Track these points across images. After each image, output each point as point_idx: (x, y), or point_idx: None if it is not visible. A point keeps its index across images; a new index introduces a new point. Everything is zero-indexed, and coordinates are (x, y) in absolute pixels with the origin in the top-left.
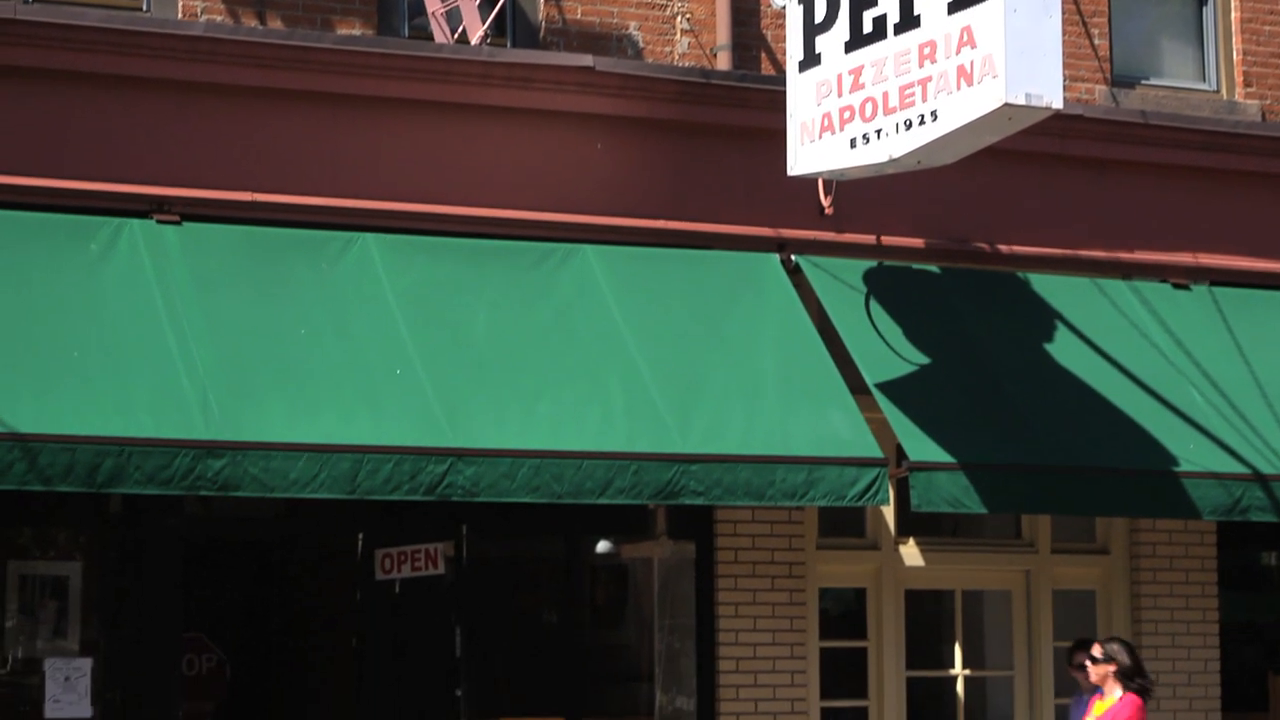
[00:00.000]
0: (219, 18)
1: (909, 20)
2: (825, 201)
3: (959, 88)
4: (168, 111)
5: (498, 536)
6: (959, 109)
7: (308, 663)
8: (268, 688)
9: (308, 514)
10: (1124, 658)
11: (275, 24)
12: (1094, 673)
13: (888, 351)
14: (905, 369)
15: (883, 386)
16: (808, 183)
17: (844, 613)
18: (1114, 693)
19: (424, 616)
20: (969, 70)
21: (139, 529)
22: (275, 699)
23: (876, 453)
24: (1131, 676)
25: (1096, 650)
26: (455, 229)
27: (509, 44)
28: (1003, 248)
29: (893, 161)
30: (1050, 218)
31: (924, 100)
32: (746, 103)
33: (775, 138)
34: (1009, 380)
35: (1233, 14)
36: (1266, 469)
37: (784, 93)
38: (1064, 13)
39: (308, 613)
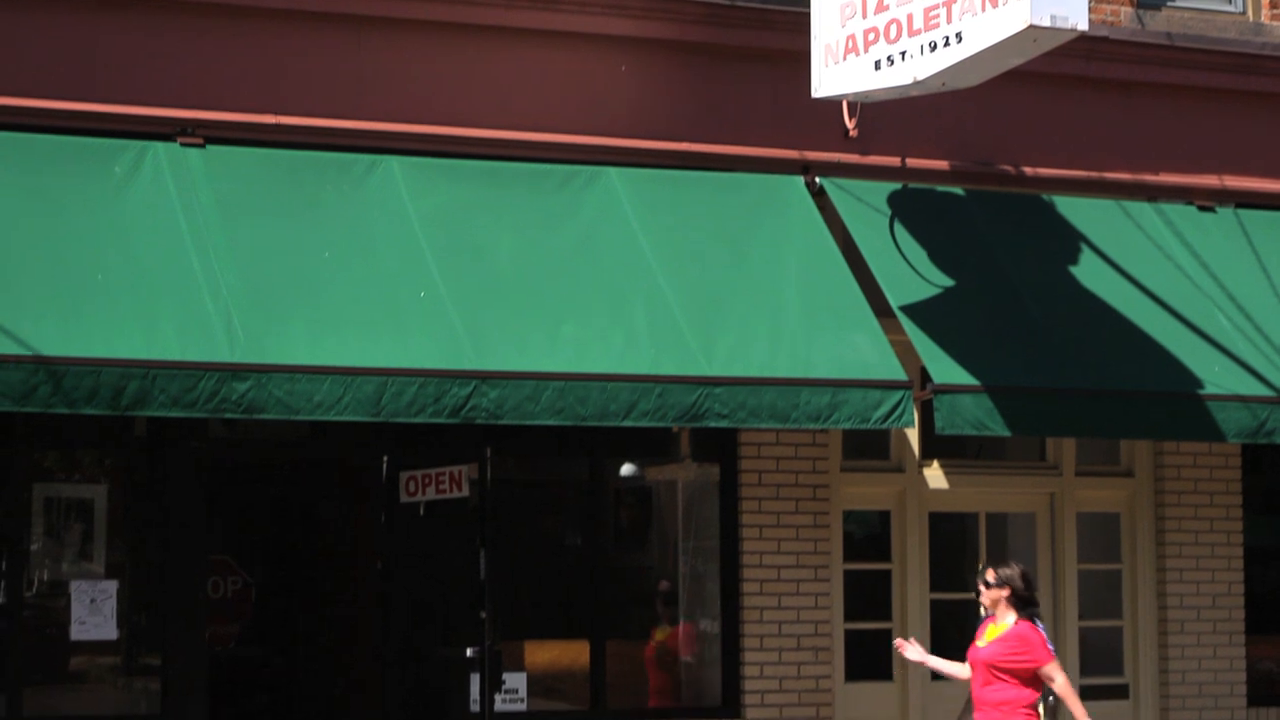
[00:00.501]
0: None
1: None
2: (850, 124)
3: (984, 9)
4: (192, 35)
5: (522, 459)
6: (984, 31)
7: (333, 586)
8: (293, 610)
9: (332, 436)
10: (1018, 583)
11: None
12: (986, 597)
13: (912, 274)
14: (930, 291)
15: (907, 309)
16: (832, 105)
17: (868, 535)
18: (1006, 618)
19: (448, 539)
20: None
21: (164, 452)
22: (300, 622)
23: (901, 375)
24: (1025, 603)
25: (990, 575)
26: (479, 151)
27: None
28: (1027, 170)
29: (917, 84)
30: (1075, 140)
31: (949, 22)
32: (771, 25)
33: (800, 60)
34: (1033, 303)
35: None
36: None
37: (808, 15)
38: None
39: (333, 536)
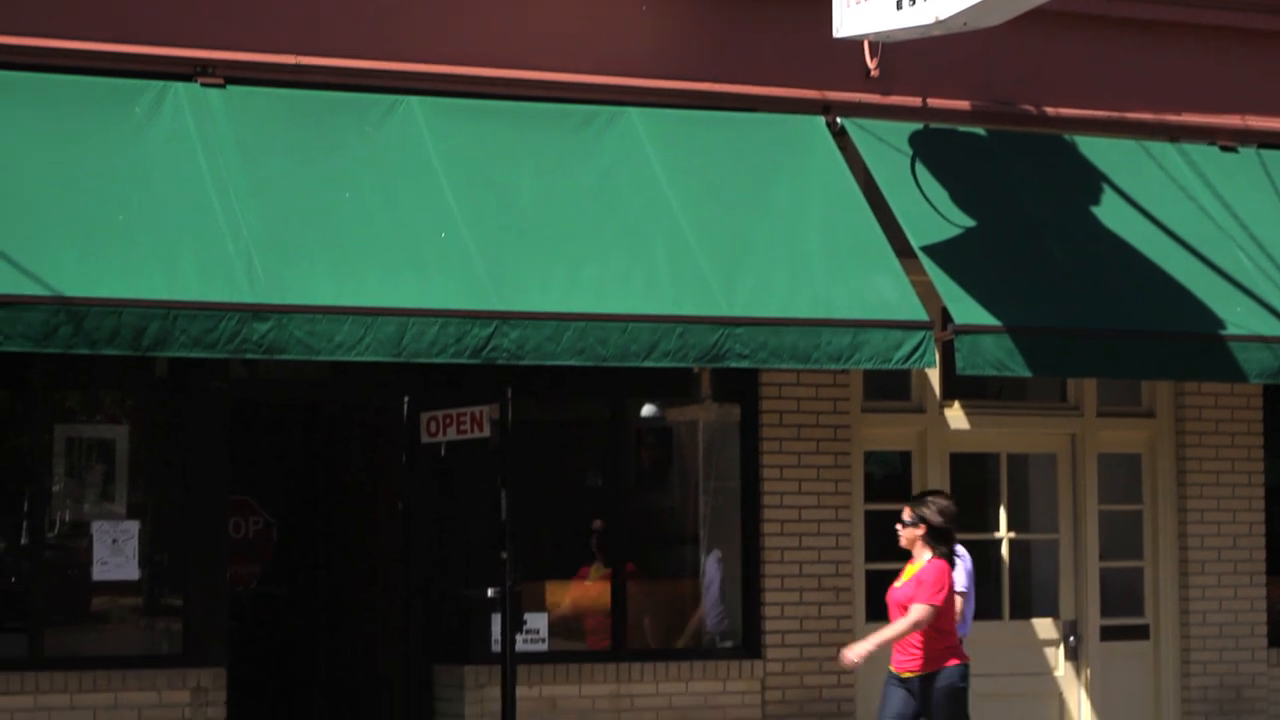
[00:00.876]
0: None
1: None
2: (871, 64)
3: None
4: None
5: (543, 400)
6: None
7: (354, 526)
8: (314, 551)
9: (353, 377)
10: (934, 520)
11: None
12: (903, 536)
13: (933, 214)
14: (951, 232)
15: (928, 249)
16: (853, 45)
17: (889, 476)
18: (923, 556)
19: (469, 479)
20: None
21: (185, 392)
22: (322, 562)
23: (922, 316)
24: (941, 541)
25: (906, 514)
26: (500, 92)
27: None
28: (1049, 110)
29: (939, 23)
30: (1097, 80)
31: None
32: None
33: (821, 0)
34: (1055, 243)
35: None
36: None
37: None
38: None
39: (354, 476)
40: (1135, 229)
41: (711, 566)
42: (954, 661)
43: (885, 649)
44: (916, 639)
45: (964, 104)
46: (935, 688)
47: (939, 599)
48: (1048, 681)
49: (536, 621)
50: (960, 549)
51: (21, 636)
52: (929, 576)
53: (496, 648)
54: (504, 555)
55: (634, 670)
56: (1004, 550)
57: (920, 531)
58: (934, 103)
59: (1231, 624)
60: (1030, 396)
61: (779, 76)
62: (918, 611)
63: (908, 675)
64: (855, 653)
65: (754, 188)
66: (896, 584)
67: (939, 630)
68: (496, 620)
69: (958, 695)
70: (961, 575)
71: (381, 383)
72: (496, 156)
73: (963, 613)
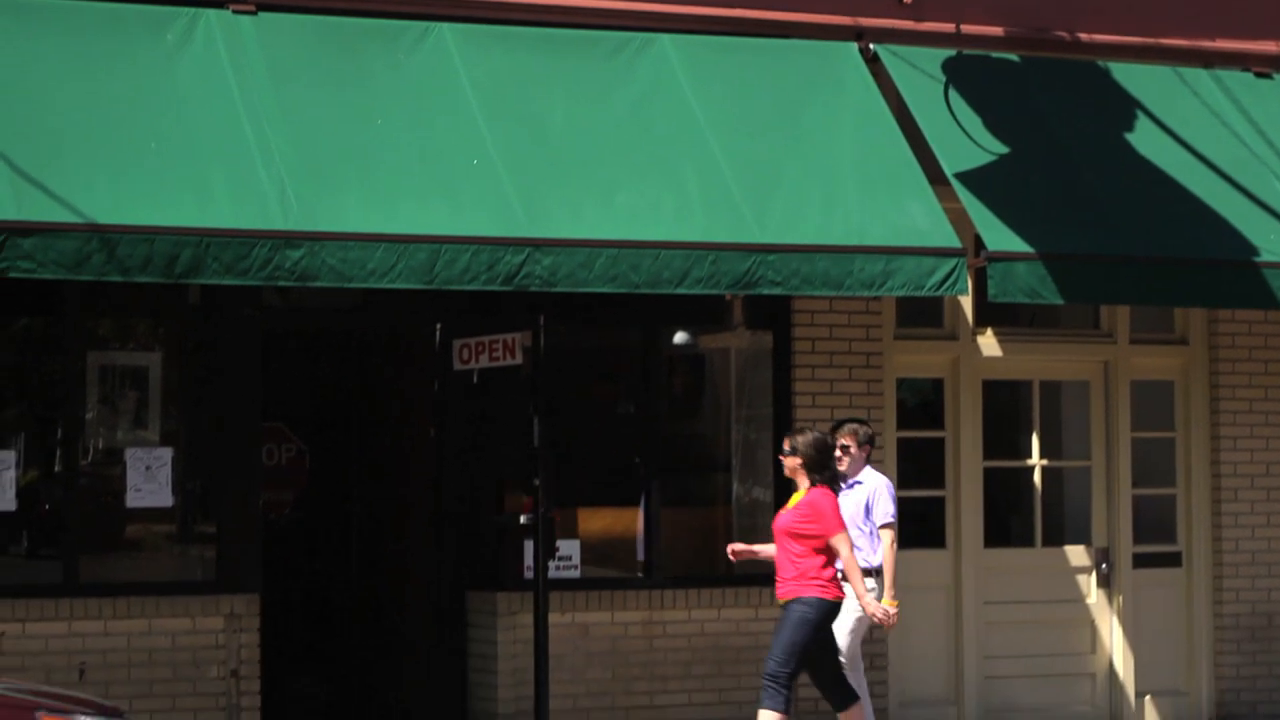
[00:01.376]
0: None
1: None
2: None
3: None
4: None
5: (575, 327)
6: None
7: (387, 453)
8: (347, 478)
9: (386, 304)
10: (808, 451)
11: None
12: (786, 465)
13: (967, 141)
14: (984, 159)
15: (961, 176)
16: None
17: (921, 403)
18: (803, 485)
19: (502, 406)
20: None
21: (218, 319)
22: (355, 489)
23: (955, 243)
24: (818, 469)
25: (785, 443)
26: (532, 18)
27: None
28: (1083, 36)
29: None
30: (1131, 6)
31: None
32: None
33: None
34: (1089, 170)
35: None
36: None
37: None
38: None
39: (386, 404)
40: (1169, 155)
41: None
42: (816, 594)
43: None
44: (789, 564)
45: (997, 30)
46: (794, 607)
47: (839, 523)
48: (1080, 609)
49: (569, 548)
50: (884, 478)
51: (56, 563)
52: (825, 506)
53: (529, 574)
54: (536, 482)
55: (666, 597)
56: (1036, 478)
57: (798, 461)
58: (967, 29)
59: (1264, 551)
60: (1063, 323)
61: (812, 3)
62: (842, 542)
63: (780, 600)
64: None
65: (786, 115)
66: (782, 511)
67: (814, 556)
68: (529, 547)
69: (810, 625)
70: (888, 503)
71: (414, 310)
72: (528, 84)
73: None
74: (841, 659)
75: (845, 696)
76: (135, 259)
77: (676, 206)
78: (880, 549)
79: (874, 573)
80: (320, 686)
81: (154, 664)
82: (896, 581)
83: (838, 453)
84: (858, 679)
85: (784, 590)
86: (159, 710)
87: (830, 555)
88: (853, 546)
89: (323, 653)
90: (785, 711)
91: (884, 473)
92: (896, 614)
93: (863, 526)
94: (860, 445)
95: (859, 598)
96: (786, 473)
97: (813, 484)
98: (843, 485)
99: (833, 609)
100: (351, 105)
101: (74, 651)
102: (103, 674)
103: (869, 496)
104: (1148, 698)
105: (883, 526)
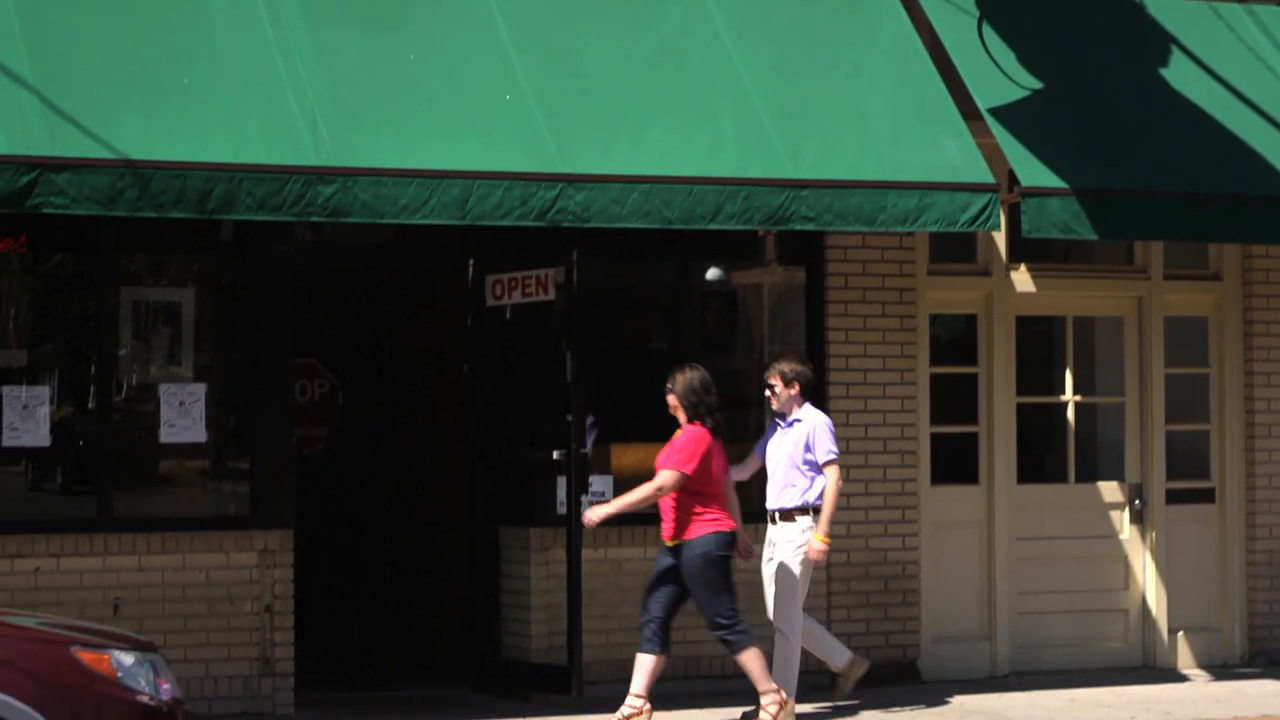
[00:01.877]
0: None
1: None
2: None
3: None
4: None
5: (608, 263)
6: None
7: (419, 389)
8: (380, 414)
9: (419, 240)
10: (684, 391)
11: None
12: (669, 403)
13: (1000, 76)
14: (1018, 94)
15: (995, 112)
16: None
17: (954, 339)
18: (682, 422)
19: (535, 341)
20: None
21: (251, 255)
22: (387, 424)
23: (988, 178)
24: (692, 409)
25: (668, 381)
26: None
27: None
28: None
29: None
30: None
31: None
32: None
33: None
34: (1123, 105)
35: None
36: None
37: None
38: None
39: (419, 339)
40: (1204, 90)
41: None
42: (708, 530)
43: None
44: (669, 506)
45: None
46: (686, 555)
47: (687, 466)
48: (1113, 545)
49: (602, 484)
50: (823, 416)
51: (90, 499)
52: (680, 443)
53: (562, 510)
54: (569, 418)
55: None
56: (1069, 414)
57: (675, 400)
58: None
59: None
60: (1097, 259)
61: None
62: (661, 477)
63: (667, 543)
64: (595, 514)
65: (820, 50)
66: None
67: (694, 496)
68: (562, 483)
69: (713, 562)
70: (828, 441)
71: (447, 246)
72: (561, 20)
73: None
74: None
75: (664, 641)
76: (168, 194)
77: (710, 142)
78: (816, 486)
79: (811, 510)
80: (353, 622)
81: (188, 599)
82: (829, 521)
83: (766, 392)
84: (789, 620)
85: (668, 531)
86: (193, 645)
87: (708, 489)
88: (660, 489)
89: (356, 589)
90: (755, 644)
91: (826, 410)
92: (824, 551)
93: (801, 465)
94: (787, 384)
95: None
96: (671, 410)
97: (689, 421)
98: (781, 424)
99: (730, 539)
100: (384, 42)
101: (108, 587)
102: (137, 609)
103: (808, 435)
104: (1180, 634)
105: (826, 464)
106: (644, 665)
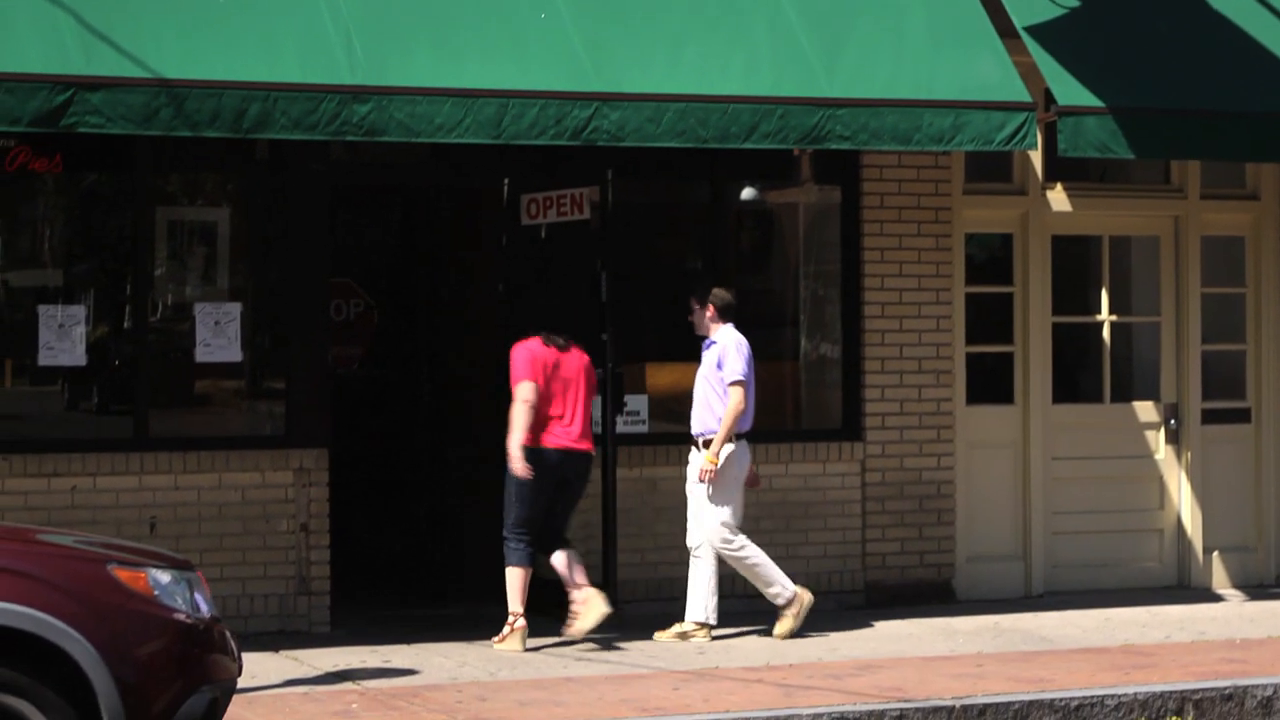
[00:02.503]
0: None
1: None
2: None
3: None
4: None
5: (643, 182)
6: None
7: (454, 308)
8: (414, 333)
9: (453, 159)
10: None
11: None
12: None
13: None
14: (1054, 11)
15: (1032, 30)
16: None
17: (990, 259)
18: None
19: (570, 261)
20: None
21: (286, 174)
22: (422, 343)
23: (1024, 97)
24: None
25: None
26: None
27: None
28: None
29: None
30: None
31: None
32: None
33: None
34: (1161, 23)
35: None
36: None
37: None
38: None
39: (454, 259)
40: (1242, 8)
41: None
42: (538, 443)
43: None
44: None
45: None
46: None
47: (521, 374)
48: (1148, 464)
49: (637, 403)
50: (737, 337)
51: (126, 418)
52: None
53: (597, 429)
54: (604, 337)
55: None
56: (1105, 333)
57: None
58: None
59: None
60: (1134, 178)
61: None
62: (516, 396)
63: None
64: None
65: None
66: None
67: (535, 409)
68: (597, 402)
69: (511, 481)
70: (736, 361)
71: (482, 165)
72: None
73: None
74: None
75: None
76: (203, 114)
77: (745, 61)
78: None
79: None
80: (388, 541)
81: (224, 518)
82: (724, 441)
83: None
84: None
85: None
86: (229, 564)
87: (543, 406)
88: (530, 402)
89: (389, 507)
90: (528, 565)
91: (742, 333)
92: (711, 471)
93: (717, 386)
94: (702, 305)
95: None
96: None
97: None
98: (703, 344)
99: (536, 454)
100: None
101: (144, 505)
102: (173, 528)
103: (720, 354)
104: (1215, 554)
105: (731, 384)
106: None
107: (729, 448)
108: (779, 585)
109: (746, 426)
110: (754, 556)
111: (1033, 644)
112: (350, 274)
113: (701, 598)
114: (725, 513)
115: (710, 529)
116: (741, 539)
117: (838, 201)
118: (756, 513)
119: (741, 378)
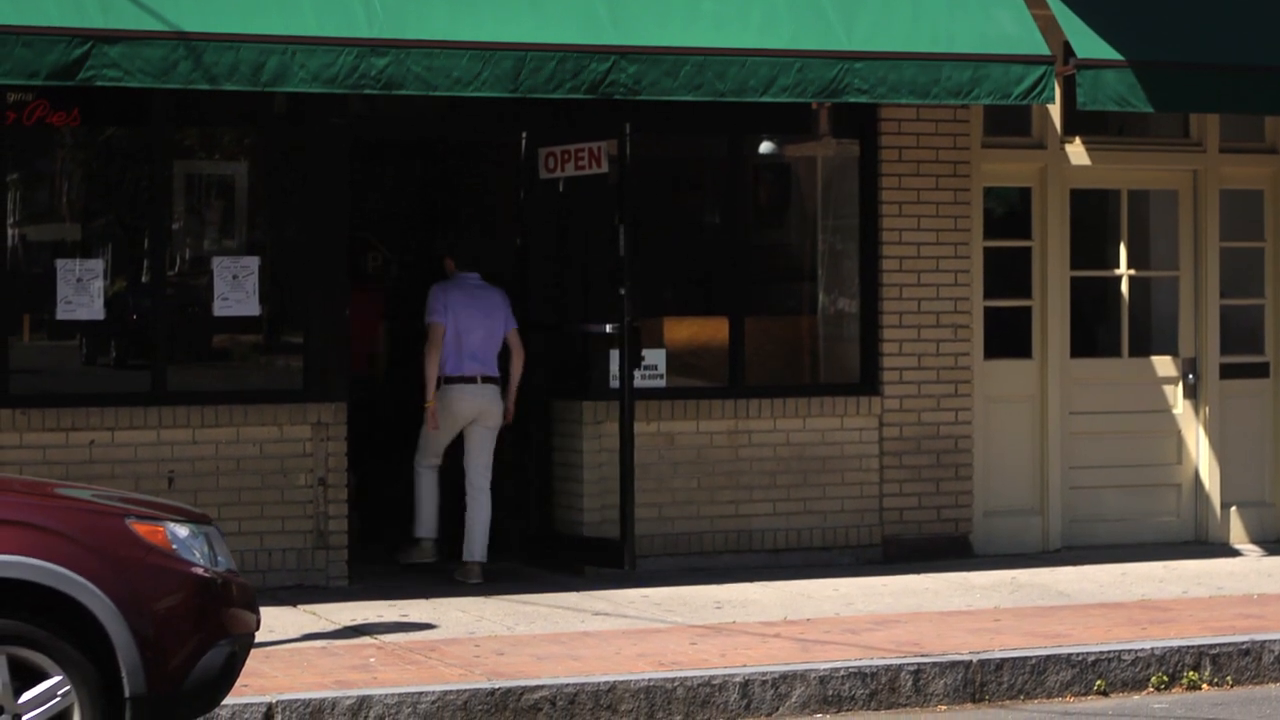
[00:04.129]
0: None
1: None
2: None
3: None
4: None
5: (661, 136)
6: None
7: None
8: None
9: (471, 113)
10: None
11: None
12: None
13: None
14: None
15: None
16: None
17: (1008, 212)
18: None
19: (588, 215)
20: None
21: (304, 128)
22: None
23: (1043, 50)
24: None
25: None
26: None
27: None
28: None
29: None
30: None
31: None
32: None
33: None
34: None
35: None
36: None
37: None
38: None
39: (472, 212)
40: None
41: None
42: None
43: None
44: None
45: None
46: None
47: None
48: (1166, 419)
49: (655, 358)
50: (436, 286)
51: (144, 373)
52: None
53: (615, 383)
54: (622, 291)
55: (751, 406)
56: (1123, 287)
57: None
58: None
59: None
60: (1152, 132)
61: None
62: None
63: None
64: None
65: None
66: None
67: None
68: (615, 356)
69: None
70: (429, 301)
71: (500, 118)
72: None
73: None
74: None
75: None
76: (221, 67)
77: (763, 14)
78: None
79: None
80: (406, 494)
81: (241, 472)
82: (428, 385)
83: None
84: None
85: None
86: (246, 518)
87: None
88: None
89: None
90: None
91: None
92: (431, 416)
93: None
94: (444, 259)
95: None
96: None
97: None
98: None
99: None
100: None
101: (163, 459)
102: (191, 482)
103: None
104: (1233, 508)
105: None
106: None
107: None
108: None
109: (458, 370)
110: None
111: (1050, 599)
112: (368, 227)
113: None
114: (426, 440)
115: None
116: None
117: (856, 155)
118: (774, 467)
119: (431, 320)
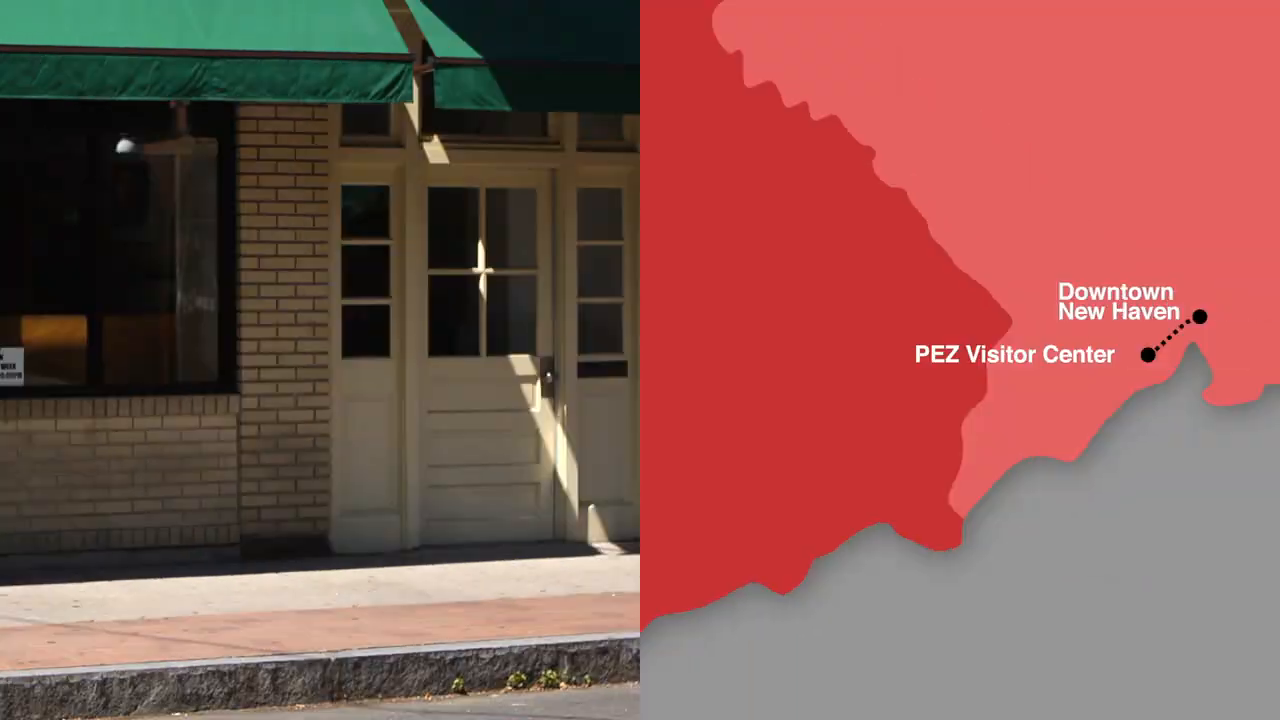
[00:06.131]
0: None
1: None
2: None
3: None
4: None
5: (18, 131)
6: None
7: None
8: None
9: None
10: None
11: None
12: None
13: None
14: None
15: None
16: None
17: (368, 212)
18: None
19: None
20: None
21: None
22: None
23: (401, 49)
24: None
25: None
26: None
27: None
28: None
29: None
30: None
31: None
32: None
33: None
34: None
35: None
36: None
37: None
38: None
39: None
40: None
41: None
42: None
43: None
44: None
45: None
46: None
47: None
48: (525, 418)
49: (13, 356)
50: None
51: None
52: None
53: None
54: None
55: (110, 405)
56: (482, 286)
57: None
58: None
59: None
60: (512, 130)
61: None
62: None
63: None
64: None
65: None
66: None
67: None
68: None
69: None
70: None
71: None
72: None
73: None
74: None
75: None
76: None
77: (121, 12)
78: None
79: None
80: None
81: None
82: None
83: None
84: None
85: None
86: None
87: None
88: None
89: None
90: None
91: None
92: None
93: None
94: None
95: None
96: None
97: None
98: None
99: None
100: None
101: None
102: None
103: None
104: (591, 507)
105: None
106: None
107: None
108: None
109: None
110: None
111: (409, 598)
112: None
113: None
114: None
115: None
116: None
117: (215, 154)
118: (133, 465)
119: None
